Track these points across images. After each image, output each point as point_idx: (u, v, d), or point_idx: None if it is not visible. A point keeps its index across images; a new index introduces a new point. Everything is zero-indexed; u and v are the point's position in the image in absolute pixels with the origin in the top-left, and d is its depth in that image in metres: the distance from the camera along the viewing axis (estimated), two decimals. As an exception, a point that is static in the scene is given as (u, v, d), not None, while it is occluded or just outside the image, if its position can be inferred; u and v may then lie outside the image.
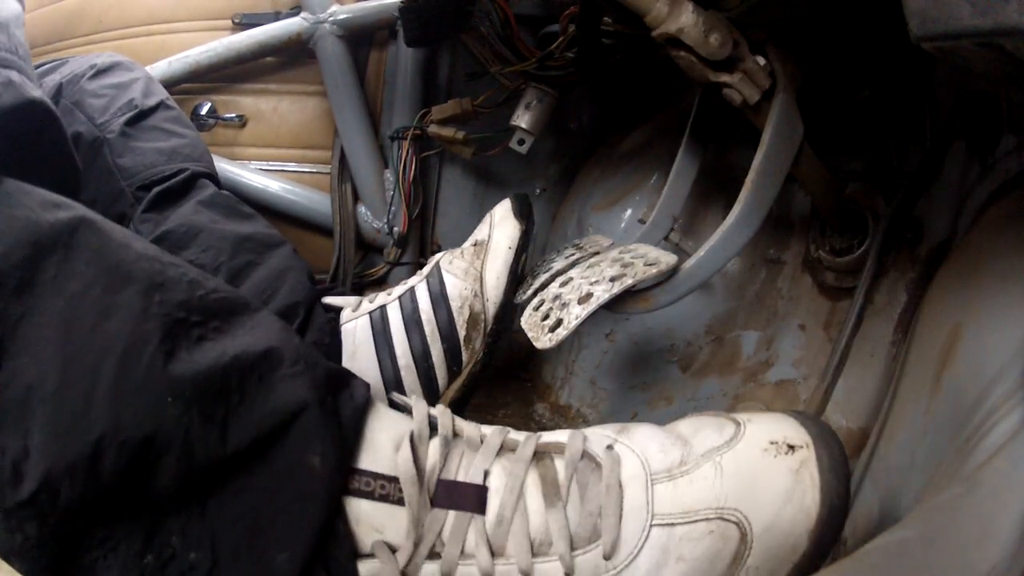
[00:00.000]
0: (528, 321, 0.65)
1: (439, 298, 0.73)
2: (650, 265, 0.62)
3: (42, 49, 1.14)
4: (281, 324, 0.49)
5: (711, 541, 0.43)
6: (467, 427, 0.49)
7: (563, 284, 0.66)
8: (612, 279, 0.61)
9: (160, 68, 1.05)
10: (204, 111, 1.11)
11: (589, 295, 0.60)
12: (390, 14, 1.02)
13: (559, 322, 0.60)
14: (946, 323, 0.50)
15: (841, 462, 0.44)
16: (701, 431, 0.48)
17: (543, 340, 0.60)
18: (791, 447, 0.44)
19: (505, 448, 0.48)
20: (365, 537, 0.44)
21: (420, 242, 1.15)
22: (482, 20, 0.90)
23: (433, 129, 0.99)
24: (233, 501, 0.42)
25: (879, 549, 0.40)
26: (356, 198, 1.12)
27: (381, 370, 0.72)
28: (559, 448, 0.47)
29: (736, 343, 0.82)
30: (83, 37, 1.13)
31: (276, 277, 0.79)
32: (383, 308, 0.75)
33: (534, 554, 0.44)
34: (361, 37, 1.07)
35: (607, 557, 0.43)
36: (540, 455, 0.47)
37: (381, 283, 1.11)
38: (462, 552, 0.44)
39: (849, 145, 0.72)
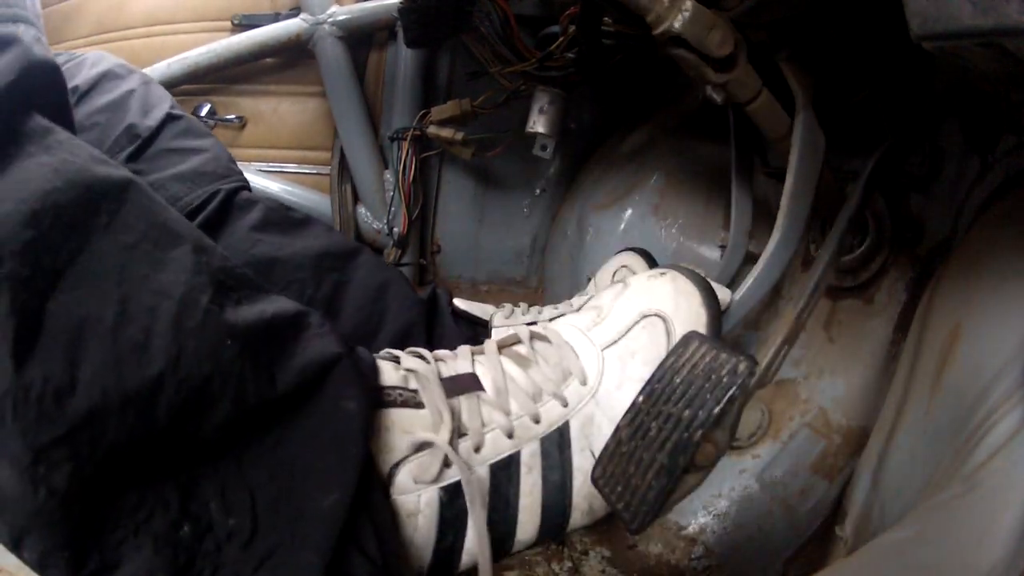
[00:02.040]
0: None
1: None
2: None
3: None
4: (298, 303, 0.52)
5: (648, 332, 0.56)
6: (439, 351, 0.57)
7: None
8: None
9: (159, 70, 1.05)
10: (204, 112, 1.10)
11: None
12: (390, 15, 1.02)
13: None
14: (946, 323, 0.50)
15: (695, 274, 0.59)
16: (601, 299, 0.61)
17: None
18: (662, 274, 0.59)
19: (475, 354, 0.56)
20: (399, 442, 0.48)
21: (420, 243, 1.15)
22: (482, 20, 0.90)
23: (432, 130, 0.99)
24: (272, 455, 0.43)
25: (879, 549, 0.40)
26: (356, 199, 1.12)
27: None
28: (513, 339, 0.58)
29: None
30: (83, 39, 1.13)
31: (375, 297, 0.73)
32: (534, 324, 0.74)
33: (533, 402, 0.53)
34: (361, 38, 1.07)
35: (583, 383, 0.54)
36: (501, 348, 0.57)
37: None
38: (482, 423, 0.51)
39: (849, 145, 0.72)
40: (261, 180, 1.10)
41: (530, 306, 0.80)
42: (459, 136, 0.98)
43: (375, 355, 0.54)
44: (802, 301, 0.57)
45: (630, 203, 1.00)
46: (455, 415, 0.50)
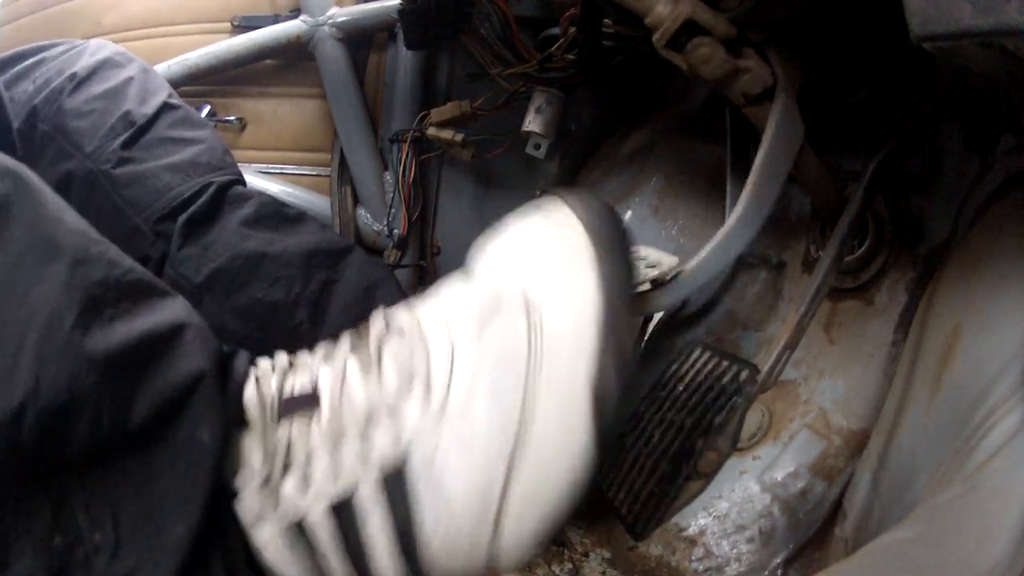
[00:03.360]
0: None
1: None
2: (651, 267, 0.62)
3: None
4: (187, 307, 0.49)
5: (502, 324, 0.44)
6: (302, 356, 0.50)
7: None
8: None
9: (159, 70, 1.05)
10: (204, 114, 1.10)
11: None
12: (389, 16, 1.02)
13: None
14: (946, 323, 0.50)
15: (589, 205, 0.45)
16: (482, 251, 0.49)
17: None
18: (536, 208, 0.47)
19: (326, 356, 0.49)
20: (236, 469, 0.45)
21: (420, 244, 1.15)
22: (482, 22, 0.90)
23: (432, 131, 0.99)
24: (132, 477, 0.43)
25: (879, 549, 0.40)
26: (356, 200, 1.12)
27: None
28: (368, 329, 0.49)
29: (736, 344, 0.81)
30: (82, 39, 1.13)
31: (364, 298, 0.73)
32: None
33: (367, 424, 0.44)
34: (360, 39, 1.07)
35: (427, 391, 0.43)
36: (356, 345, 0.49)
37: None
38: (308, 455, 0.44)
39: (849, 145, 0.72)
40: (261, 181, 1.10)
41: None
42: (459, 138, 0.98)
43: (257, 362, 0.50)
44: (804, 305, 0.56)
45: (630, 204, 1.00)
46: (283, 445, 0.45)
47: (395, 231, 1.09)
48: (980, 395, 0.42)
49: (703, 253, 0.61)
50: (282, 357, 0.50)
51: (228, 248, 0.70)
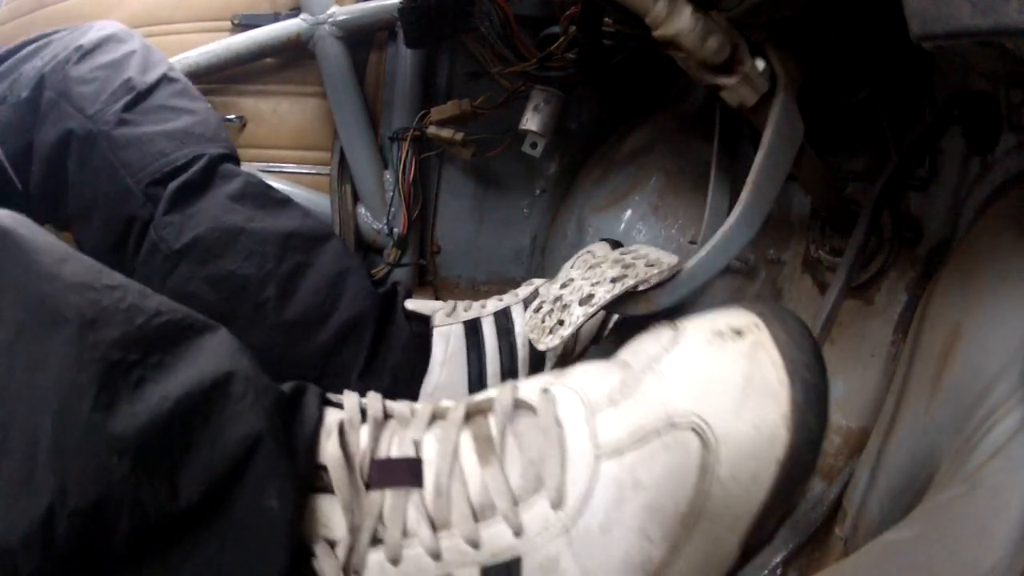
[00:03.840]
0: (529, 323, 0.64)
1: None
2: (651, 266, 0.62)
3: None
4: (230, 345, 0.45)
5: (668, 457, 0.37)
6: (398, 407, 0.45)
7: (563, 285, 0.66)
8: (613, 280, 0.61)
9: (160, 69, 1.05)
10: (204, 112, 1.11)
11: (590, 296, 0.60)
12: (390, 15, 1.02)
13: (560, 323, 0.60)
14: (946, 323, 0.50)
15: (802, 334, 0.38)
16: (640, 347, 0.42)
17: (544, 341, 0.60)
18: (738, 332, 0.39)
19: (437, 417, 0.44)
20: (312, 533, 0.41)
21: (420, 243, 1.15)
22: (482, 20, 0.90)
23: (432, 130, 0.99)
24: (194, 557, 0.39)
25: (879, 549, 0.40)
26: (356, 199, 1.12)
27: (469, 380, 0.72)
28: (489, 404, 0.43)
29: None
30: (83, 38, 1.13)
31: (333, 283, 0.74)
32: (478, 320, 0.75)
33: (476, 519, 0.39)
34: (361, 38, 1.07)
35: (555, 506, 0.38)
36: (472, 415, 0.43)
37: (381, 284, 1.11)
38: (404, 533, 0.39)
39: (849, 145, 0.72)
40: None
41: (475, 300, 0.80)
42: (459, 136, 0.98)
43: (335, 400, 0.46)
44: (819, 326, 0.56)
45: (630, 204, 1.00)
46: (374, 516, 0.40)
47: (395, 230, 1.09)
48: (980, 395, 0.42)
49: (703, 252, 0.61)
50: (375, 402, 0.45)
51: (210, 219, 0.71)
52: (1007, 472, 0.37)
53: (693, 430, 0.37)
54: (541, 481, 0.39)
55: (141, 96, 0.76)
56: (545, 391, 0.42)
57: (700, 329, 0.40)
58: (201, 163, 0.74)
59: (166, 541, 0.38)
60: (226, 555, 0.39)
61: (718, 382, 0.37)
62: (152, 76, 0.79)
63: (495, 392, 0.44)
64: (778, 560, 0.66)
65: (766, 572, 0.66)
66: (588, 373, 0.43)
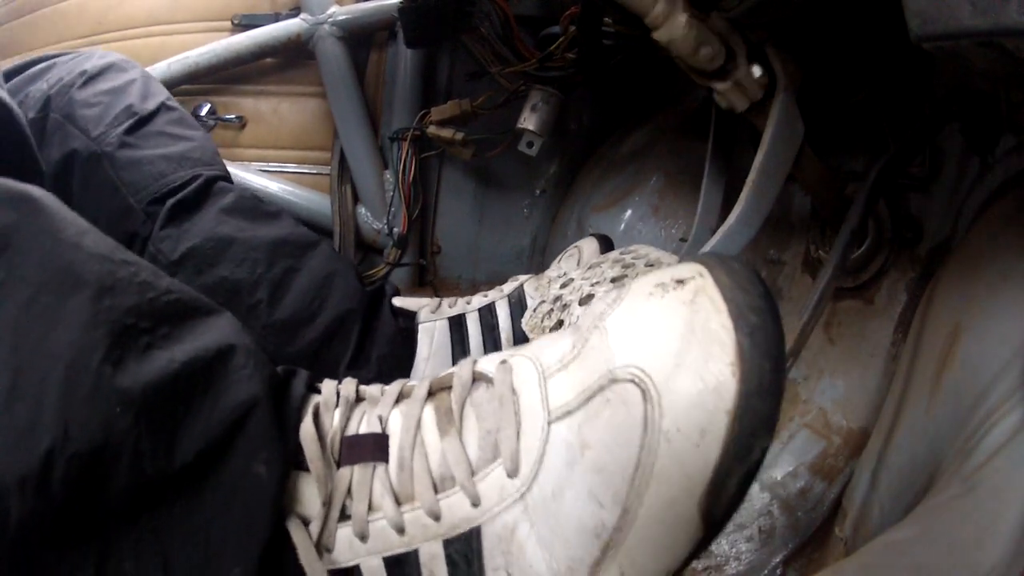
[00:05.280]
0: (529, 323, 0.65)
1: (518, 318, 0.74)
2: (651, 266, 0.62)
3: (41, 51, 1.14)
4: (235, 325, 0.47)
5: (610, 412, 0.36)
6: (370, 389, 0.46)
7: (563, 285, 0.66)
8: (613, 280, 0.61)
9: (159, 69, 1.05)
10: (204, 112, 1.10)
11: (590, 296, 0.60)
12: (390, 15, 1.02)
13: (560, 323, 0.60)
14: (946, 323, 0.50)
15: (749, 277, 0.36)
16: (591, 309, 0.41)
17: None
18: (679, 281, 0.37)
19: (404, 396, 0.44)
20: (289, 511, 0.42)
21: (420, 243, 1.15)
22: (482, 21, 0.90)
23: (432, 130, 0.99)
24: (184, 519, 0.40)
25: (879, 549, 0.40)
26: (356, 199, 1.12)
27: None
28: (452, 379, 0.43)
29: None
30: (83, 39, 1.13)
31: (321, 284, 0.77)
32: (462, 316, 0.76)
33: (437, 491, 0.39)
34: (361, 38, 1.07)
35: (511, 474, 0.38)
36: (436, 391, 0.44)
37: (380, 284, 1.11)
38: (370, 507, 0.40)
39: (849, 145, 0.72)
40: (261, 180, 1.10)
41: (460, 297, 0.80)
42: (459, 136, 0.98)
43: (317, 386, 0.47)
44: (807, 313, 0.56)
45: (630, 204, 1.00)
46: (342, 491, 0.41)
47: (395, 230, 1.09)
48: (980, 395, 0.42)
49: (702, 252, 0.61)
50: (349, 385, 0.46)
51: (204, 231, 0.75)
52: (1007, 472, 0.37)
53: (632, 382, 0.35)
54: (498, 450, 0.39)
55: (142, 121, 0.80)
56: (503, 362, 0.43)
57: (644, 283, 0.39)
58: (197, 183, 0.77)
59: (157, 501, 0.40)
60: (216, 521, 0.40)
61: (658, 332, 0.36)
62: (152, 104, 0.82)
63: (456, 368, 0.44)
64: (778, 559, 0.66)
65: (766, 572, 0.66)
66: (544, 341, 0.44)
